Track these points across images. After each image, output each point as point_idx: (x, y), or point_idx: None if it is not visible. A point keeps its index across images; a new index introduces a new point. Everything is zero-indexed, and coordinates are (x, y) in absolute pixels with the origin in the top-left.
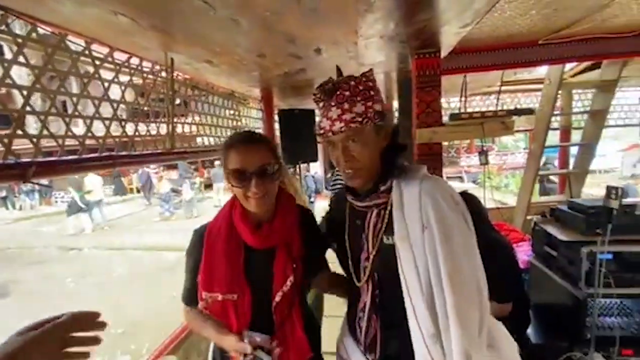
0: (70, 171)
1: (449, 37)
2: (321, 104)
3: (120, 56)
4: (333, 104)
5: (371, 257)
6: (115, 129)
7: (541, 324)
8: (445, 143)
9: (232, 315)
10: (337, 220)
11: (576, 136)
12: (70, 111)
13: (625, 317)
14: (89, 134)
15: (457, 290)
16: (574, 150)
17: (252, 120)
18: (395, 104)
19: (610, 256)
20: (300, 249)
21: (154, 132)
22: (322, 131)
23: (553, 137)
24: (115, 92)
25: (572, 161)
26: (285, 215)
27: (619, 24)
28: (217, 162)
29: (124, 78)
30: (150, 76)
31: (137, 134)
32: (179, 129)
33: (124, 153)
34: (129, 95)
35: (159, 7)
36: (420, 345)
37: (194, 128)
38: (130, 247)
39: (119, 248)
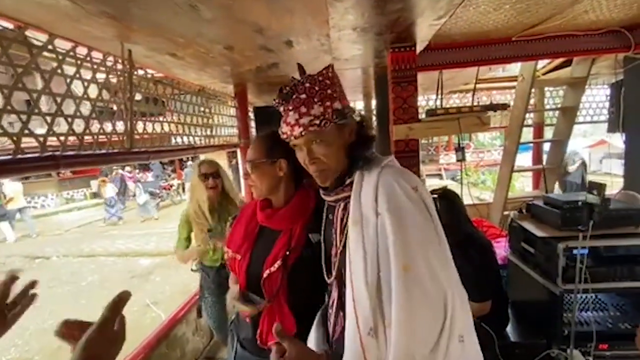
0: (4, 173)
1: (424, 30)
2: (282, 109)
3: (65, 46)
4: (290, 108)
5: (338, 252)
6: (62, 128)
7: (520, 321)
8: (424, 141)
9: (237, 271)
10: (318, 215)
11: (549, 133)
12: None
13: (601, 311)
14: (25, 132)
15: (407, 285)
16: (547, 146)
17: (226, 117)
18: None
19: (586, 251)
20: (300, 239)
21: (110, 131)
22: (284, 136)
23: (527, 134)
24: (61, 86)
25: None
26: (295, 206)
27: (588, 21)
28: (189, 163)
29: (70, 70)
30: (102, 68)
31: (87, 132)
32: (140, 128)
33: (69, 153)
34: (78, 90)
35: None
36: (353, 338)
37: (158, 126)
38: (102, 254)
39: (89, 255)
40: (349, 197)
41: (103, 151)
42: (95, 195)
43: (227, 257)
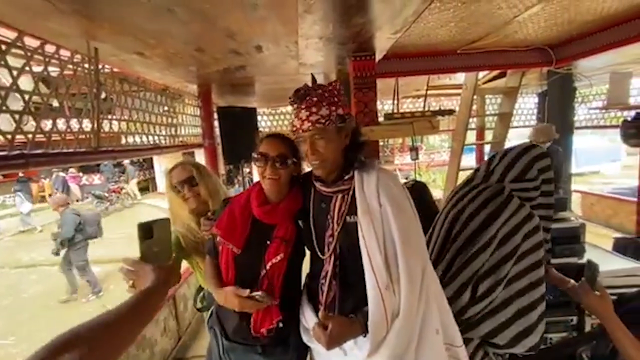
0: None
1: (382, 42)
2: (295, 106)
3: (32, 43)
4: (303, 107)
5: (335, 233)
6: (29, 126)
7: None
8: (380, 143)
9: (229, 263)
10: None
11: (490, 136)
12: None
13: None
14: None
15: (406, 253)
16: (488, 148)
17: (190, 117)
18: None
19: None
20: (293, 231)
21: (77, 129)
22: (294, 129)
23: (472, 137)
24: (27, 84)
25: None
26: (292, 201)
27: (518, 40)
28: (127, 161)
29: (37, 67)
30: (69, 66)
31: (55, 130)
32: (106, 127)
33: (39, 151)
34: (44, 88)
35: None
36: (375, 293)
37: (123, 125)
38: (44, 263)
39: (28, 265)
40: (346, 190)
41: (71, 150)
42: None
43: (220, 248)
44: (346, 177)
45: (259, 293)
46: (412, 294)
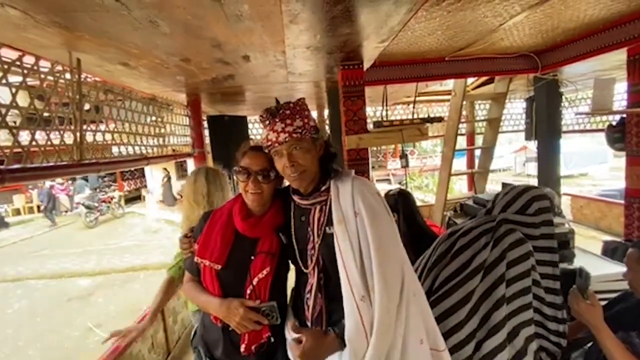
0: None
1: (370, 51)
2: (267, 122)
3: (9, 54)
4: (277, 120)
5: (316, 246)
6: (6, 138)
7: None
8: (373, 148)
9: (212, 281)
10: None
11: (480, 141)
12: None
13: None
14: None
15: (381, 260)
16: (478, 152)
17: (179, 127)
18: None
19: None
20: (277, 244)
21: (58, 142)
22: (269, 143)
23: (462, 142)
24: (4, 96)
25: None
26: (275, 214)
27: (504, 47)
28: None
29: (15, 79)
30: (50, 77)
31: (34, 143)
32: (90, 138)
33: (16, 166)
34: (23, 100)
35: (58, 2)
36: (350, 305)
37: (108, 136)
38: (31, 277)
39: (14, 279)
40: (324, 201)
41: (51, 164)
42: (18, 211)
43: (201, 266)
44: (323, 189)
45: (268, 304)
46: (386, 304)
